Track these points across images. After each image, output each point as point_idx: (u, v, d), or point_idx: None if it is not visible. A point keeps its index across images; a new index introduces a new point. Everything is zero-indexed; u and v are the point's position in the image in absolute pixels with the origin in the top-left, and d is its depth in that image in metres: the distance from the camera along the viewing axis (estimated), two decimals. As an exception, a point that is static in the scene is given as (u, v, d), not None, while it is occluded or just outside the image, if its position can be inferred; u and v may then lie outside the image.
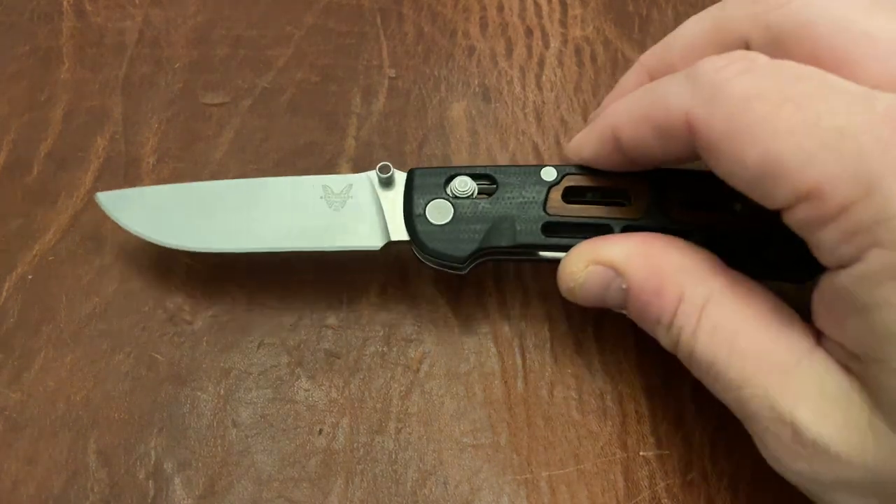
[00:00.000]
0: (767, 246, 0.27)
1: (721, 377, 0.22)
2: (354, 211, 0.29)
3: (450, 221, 0.28)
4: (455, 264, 0.28)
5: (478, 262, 0.29)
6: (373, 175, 0.29)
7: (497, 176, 0.28)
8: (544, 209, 0.28)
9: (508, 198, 0.28)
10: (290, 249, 0.29)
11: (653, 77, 0.27)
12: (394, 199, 0.29)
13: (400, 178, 0.29)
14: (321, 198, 0.29)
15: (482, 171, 0.29)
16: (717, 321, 0.22)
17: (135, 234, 0.30)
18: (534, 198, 0.28)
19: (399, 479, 0.27)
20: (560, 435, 0.28)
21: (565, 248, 0.28)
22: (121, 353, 0.30)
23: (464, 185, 0.28)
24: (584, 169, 0.28)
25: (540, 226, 0.28)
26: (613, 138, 0.25)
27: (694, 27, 0.27)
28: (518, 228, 0.28)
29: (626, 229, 0.27)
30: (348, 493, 0.27)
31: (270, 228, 0.29)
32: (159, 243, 0.29)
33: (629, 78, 0.29)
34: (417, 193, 0.28)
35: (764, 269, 0.27)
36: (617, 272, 0.25)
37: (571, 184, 0.28)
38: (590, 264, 0.25)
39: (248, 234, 0.29)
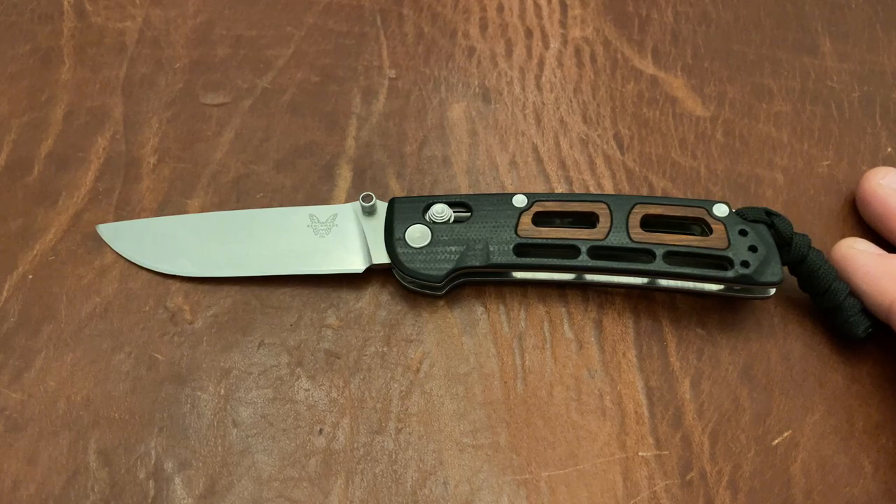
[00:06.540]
0: (728, 266, 0.28)
1: None
2: (339, 238, 0.31)
3: (428, 244, 0.30)
4: (433, 283, 0.30)
5: (455, 283, 0.31)
6: (356, 205, 0.31)
7: (472, 203, 0.30)
8: (516, 232, 0.29)
9: (483, 222, 0.30)
10: (278, 274, 0.31)
11: None
12: (376, 227, 0.31)
13: (382, 207, 0.31)
14: (308, 226, 0.32)
15: (458, 199, 0.31)
16: None
17: (132, 262, 0.32)
18: (506, 222, 0.30)
19: (399, 479, 0.28)
20: (559, 435, 0.28)
21: (537, 268, 0.30)
22: (121, 353, 0.30)
23: (441, 211, 0.30)
24: (551, 195, 0.30)
25: (512, 247, 0.29)
26: None
27: None
28: (492, 249, 0.29)
29: (591, 249, 0.29)
30: (348, 493, 0.27)
31: (260, 255, 0.31)
32: (156, 270, 0.31)
33: None
34: (398, 220, 0.30)
35: (725, 286, 0.29)
36: None
37: (540, 209, 0.30)
38: None
39: (240, 260, 0.31)
